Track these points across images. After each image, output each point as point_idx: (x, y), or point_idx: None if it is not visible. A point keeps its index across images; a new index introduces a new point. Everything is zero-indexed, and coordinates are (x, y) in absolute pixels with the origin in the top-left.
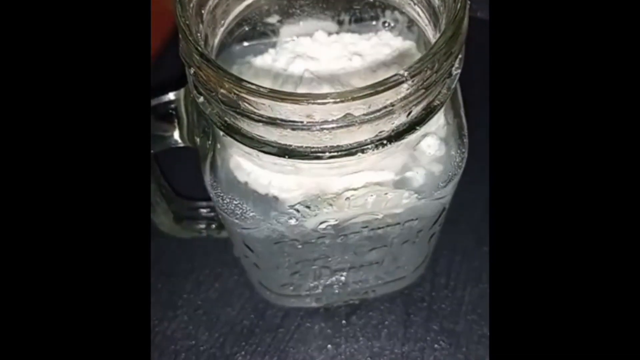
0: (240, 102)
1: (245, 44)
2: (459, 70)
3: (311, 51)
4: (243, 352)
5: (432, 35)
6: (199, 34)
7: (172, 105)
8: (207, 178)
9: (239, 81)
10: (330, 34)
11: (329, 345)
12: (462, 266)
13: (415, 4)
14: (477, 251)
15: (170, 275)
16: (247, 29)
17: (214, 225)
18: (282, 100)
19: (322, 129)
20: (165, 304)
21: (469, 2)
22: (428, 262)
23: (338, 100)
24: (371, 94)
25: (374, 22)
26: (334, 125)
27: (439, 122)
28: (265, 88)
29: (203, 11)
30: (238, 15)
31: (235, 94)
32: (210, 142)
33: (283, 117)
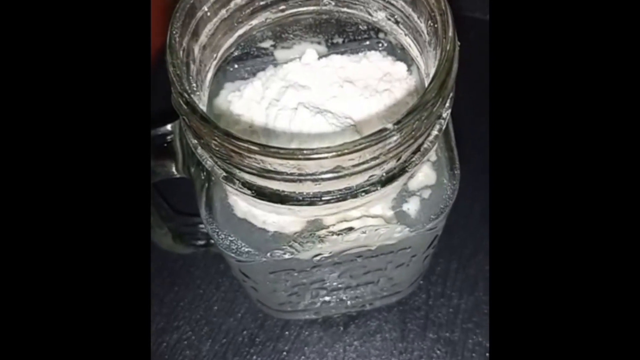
0: (232, 154)
1: (236, 65)
2: (450, 110)
3: (302, 78)
4: None
5: (423, 64)
6: (191, 77)
7: (169, 138)
8: (203, 213)
9: (229, 137)
10: (320, 57)
11: (328, 354)
12: (457, 275)
13: (406, 34)
14: (473, 260)
15: (173, 286)
16: (240, 53)
17: (212, 241)
18: (274, 156)
19: (314, 180)
20: (168, 315)
21: (458, 43)
22: (424, 274)
23: (328, 155)
24: (360, 149)
25: (367, 42)
26: (325, 176)
27: (430, 157)
28: (256, 144)
29: (195, 48)
30: (231, 47)
31: (226, 147)
32: (204, 176)
33: (274, 169)
